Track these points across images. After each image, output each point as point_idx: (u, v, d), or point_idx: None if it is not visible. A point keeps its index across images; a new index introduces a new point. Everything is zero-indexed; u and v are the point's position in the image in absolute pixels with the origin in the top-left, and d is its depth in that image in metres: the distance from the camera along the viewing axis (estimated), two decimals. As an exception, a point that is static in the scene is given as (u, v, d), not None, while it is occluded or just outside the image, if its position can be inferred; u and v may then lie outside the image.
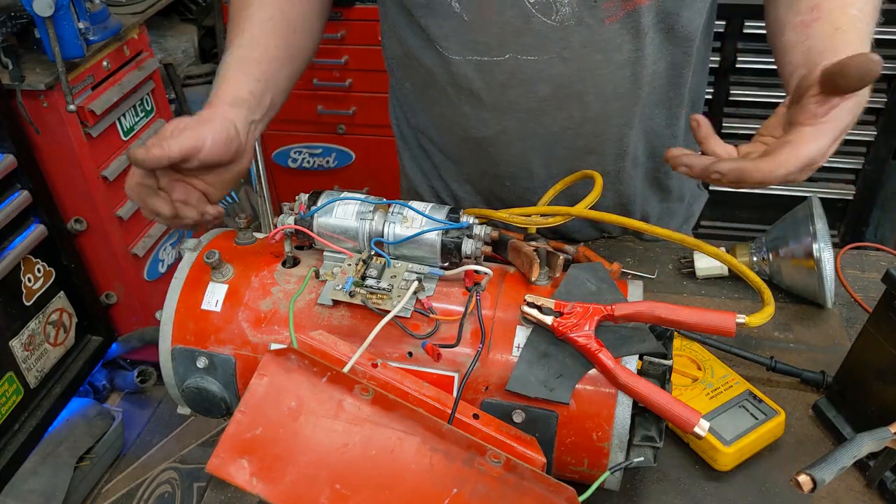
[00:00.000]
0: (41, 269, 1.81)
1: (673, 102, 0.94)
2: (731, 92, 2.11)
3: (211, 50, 2.50)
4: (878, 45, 2.21)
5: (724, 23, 2.00)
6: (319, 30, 0.97)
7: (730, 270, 0.95)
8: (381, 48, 1.03)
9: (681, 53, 0.89)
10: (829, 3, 0.75)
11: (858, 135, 2.10)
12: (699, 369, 0.81)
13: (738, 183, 0.67)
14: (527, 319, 0.64)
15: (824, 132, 0.66)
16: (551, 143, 0.93)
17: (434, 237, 0.68)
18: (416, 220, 0.68)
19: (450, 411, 0.61)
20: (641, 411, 0.64)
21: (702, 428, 0.60)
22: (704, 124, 0.72)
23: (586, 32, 0.84)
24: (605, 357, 0.61)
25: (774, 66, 0.80)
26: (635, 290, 0.69)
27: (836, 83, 0.63)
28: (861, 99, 0.67)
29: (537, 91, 0.88)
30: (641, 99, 0.90)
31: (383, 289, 0.65)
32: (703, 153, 0.72)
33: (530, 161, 0.95)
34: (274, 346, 0.67)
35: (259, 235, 0.77)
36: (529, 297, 0.64)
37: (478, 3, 0.83)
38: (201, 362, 0.70)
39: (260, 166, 2.57)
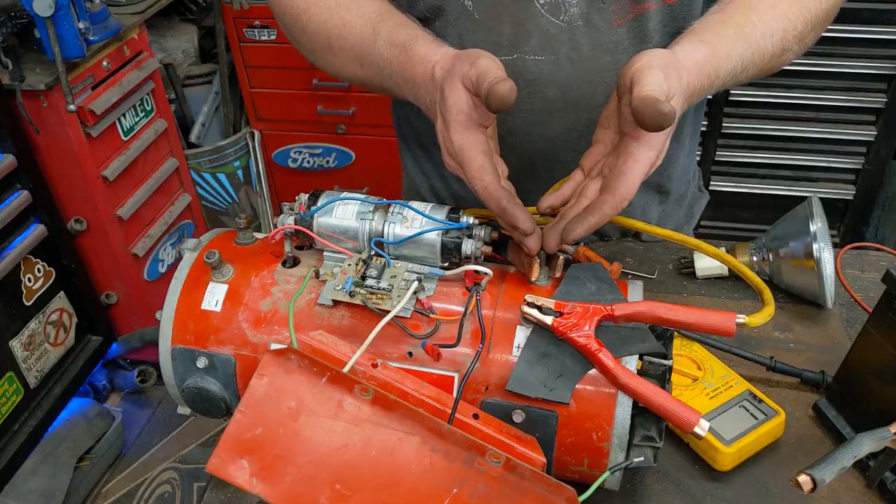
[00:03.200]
0: (41, 269, 1.81)
1: None
2: (731, 92, 2.11)
3: (211, 50, 2.50)
4: (877, 45, 2.22)
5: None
6: None
7: (730, 270, 0.95)
8: None
9: None
10: (738, 3, 0.77)
11: (858, 135, 2.10)
12: (699, 369, 0.81)
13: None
14: (527, 319, 0.64)
15: (651, 143, 0.67)
16: (556, 144, 0.93)
17: (434, 237, 0.68)
18: (416, 220, 0.68)
19: (450, 411, 0.61)
20: (641, 411, 0.64)
21: (702, 428, 0.60)
22: (553, 202, 0.73)
23: (594, 34, 0.84)
24: (605, 357, 0.61)
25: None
26: (635, 290, 0.69)
27: (639, 122, 0.63)
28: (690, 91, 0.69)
29: (545, 92, 0.88)
30: None
31: (383, 289, 0.65)
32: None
33: (534, 163, 0.95)
34: (274, 346, 0.67)
35: (259, 235, 0.77)
36: (529, 297, 0.64)
37: (491, 1, 0.83)
38: (201, 362, 0.70)
39: (260, 166, 2.58)
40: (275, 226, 0.71)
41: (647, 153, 0.67)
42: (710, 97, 2.13)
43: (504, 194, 0.67)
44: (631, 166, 0.67)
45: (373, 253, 0.69)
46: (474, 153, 0.68)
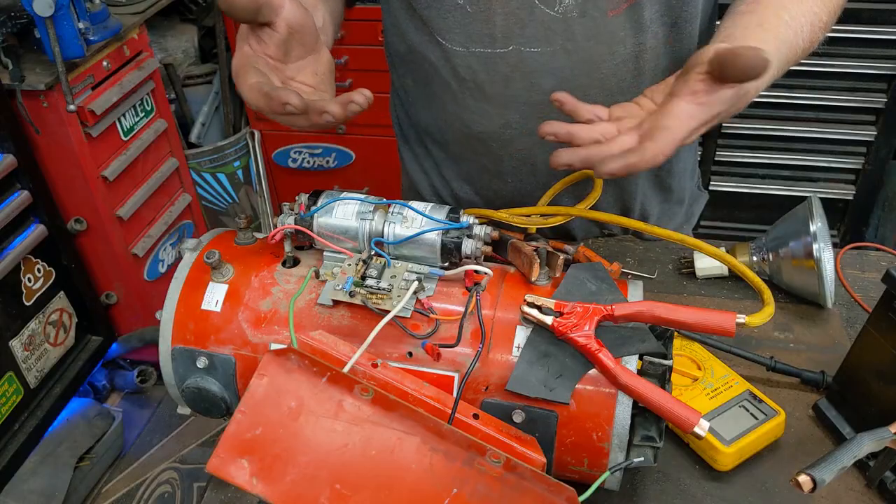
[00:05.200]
0: (41, 269, 1.81)
1: None
2: (731, 92, 2.11)
3: (211, 50, 2.50)
4: (877, 44, 2.22)
5: (724, 23, 2.00)
6: None
7: (730, 270, 0.95)
8: (384, 45, 1.03)
9: (683, 50, 0.89)
10: (768, 1, 0.76)
11: (858, 135, 2.10)
12: (699, 369, 0.82)
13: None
14: (527, 319, 0.64)
15: (697, 113, 0.67)
16: None
17: (434, 237, 0.68)
18: (416, 220, 0.68)
19: (450, 411, 0.61)
20: (641, 411, 0.64)
21: (702, 428, 0.60)
22: (568, 100, 0.73)
23: (589, 24, 0.84)
24: (605, 357, 0.61)
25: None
26: (635, 290, 0.69)
27: (722, 70, 0.64)
28: (744, 93, 0.68)
29: (541, 84, 0.88)
30: None
31: (383, 289, 0.65)
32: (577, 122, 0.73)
33: (533, 157, 0.95)
34: (274, 346, 0.67)
35: (259, 235, 0.77)
36: (529, 297, 0.64)
37: None
38: (201, 362, 0.70)
39: (260, 166, 2.58)
40: (275, 226, 0.71)
41: (688, 121, 0.67)
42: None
43: (266, 85, 0.68)
44: (675, 125, 0.66)
45: (373, 253, 0.69)
46: (238, 66, 0.72)
